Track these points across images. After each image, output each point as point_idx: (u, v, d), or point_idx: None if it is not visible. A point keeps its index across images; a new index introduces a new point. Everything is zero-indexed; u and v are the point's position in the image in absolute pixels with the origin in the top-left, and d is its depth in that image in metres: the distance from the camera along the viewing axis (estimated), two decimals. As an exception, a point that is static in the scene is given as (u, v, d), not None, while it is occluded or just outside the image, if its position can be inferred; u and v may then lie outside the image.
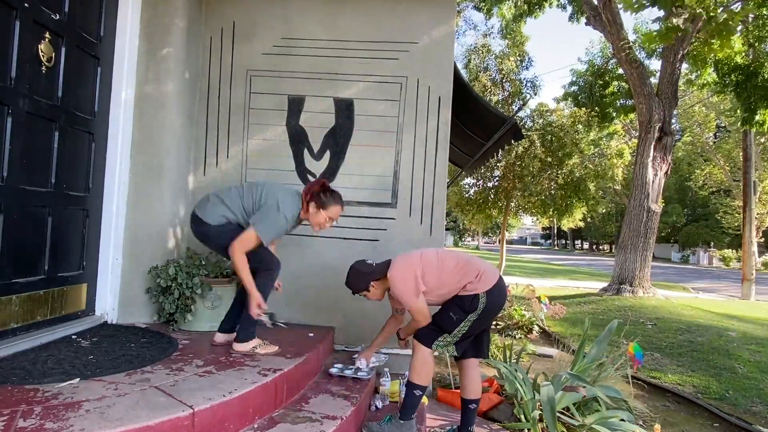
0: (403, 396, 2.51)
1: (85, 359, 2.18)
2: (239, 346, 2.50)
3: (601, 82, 12.31)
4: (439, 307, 2.49)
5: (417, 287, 2.38)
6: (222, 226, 2.48)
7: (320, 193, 2.53)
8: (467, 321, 2.37)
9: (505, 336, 5.33)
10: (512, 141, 5.50)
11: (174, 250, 3.19)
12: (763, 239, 25.51)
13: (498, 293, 2.42)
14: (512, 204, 11.55)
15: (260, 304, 2.43)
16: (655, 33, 5.89)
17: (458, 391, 2.75)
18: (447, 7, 3.46)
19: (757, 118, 8.20)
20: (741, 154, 14.46)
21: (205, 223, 2.48)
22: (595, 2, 10.15)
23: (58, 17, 2.50)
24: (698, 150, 25.15)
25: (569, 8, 11.87)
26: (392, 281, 2.44)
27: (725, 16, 5.54)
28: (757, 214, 17.60)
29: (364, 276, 2.54)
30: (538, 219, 13.63)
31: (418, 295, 2.39)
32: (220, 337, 2.65)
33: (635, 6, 5.58)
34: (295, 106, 3.48)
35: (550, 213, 11.53)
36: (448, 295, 2.44)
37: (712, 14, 5.57)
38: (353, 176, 3.44)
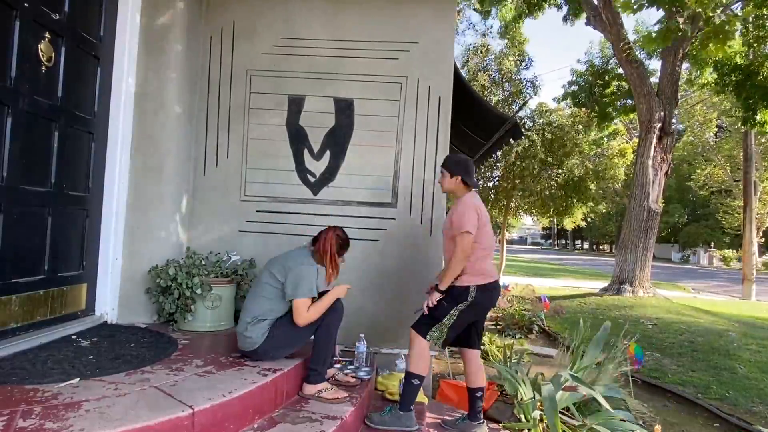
0: (402, 388, 2.55)
1: (85, 359, 2.18)
2: (308, 388, 2.39)
3: (601, 82, 12.31)
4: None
5: (475, 222, 2.47)
6: (268, 337, 2.37)
7: (343, 245, 2.56)
8: (456, 310, 2.46)
9: (505, 336, 5.33)
10: (511, 140, 5.50)
11: (174, 250, 3.19)
12: (763, 239, 25.48)
13: (489, 292, 2.52)
14: (512, 204, 11.55)
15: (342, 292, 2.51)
16: (655, 34, 5.89)
17: (461, 383, 2.80)
18: (447, 6, 3.46)
19: (757, 118, 8.20)
20: (741, 153, 14.45)
21: (255, 348, 2.36)
22: (595, 2, 10.15)
23: (58, 17, 2.49)
24: (699, 150, 25.12)
25: (564, 8, 11.85)
26: (464, 201, 2.55)
27: (723, 18, 5.53)
28: (758, 214, 17.58)
29: (462, 168, 2.63)
30: (538, 219, 13.62)
31: (474, 228, 2.45)
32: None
33: (633, 7, 5.58)
34: (295, 106, 3.47)
35: (550, 213, 11.52)
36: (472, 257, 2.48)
37: (710, 14, 5.57)
38: (353, 176, 3.44)
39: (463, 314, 2.48)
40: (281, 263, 2.46)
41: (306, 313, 2.35)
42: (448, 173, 2.66)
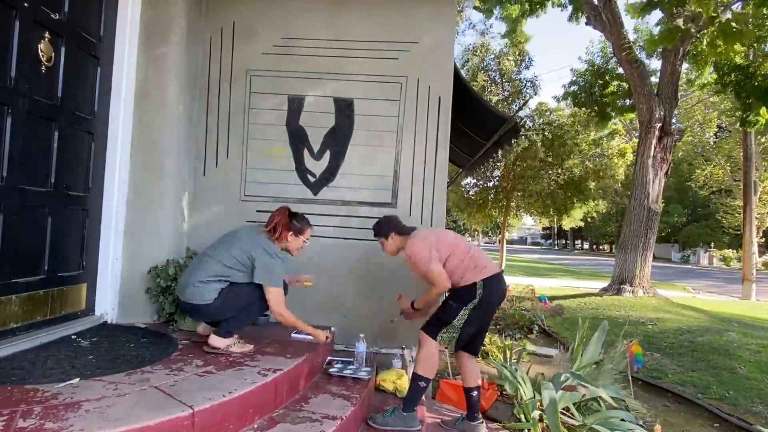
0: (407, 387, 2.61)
1: (85, 359, 2.18)
2: (215, 341, 2.44)
3: (601, 82, 12.31)
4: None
5: (431, 255, 2.50)
6: (219, 298, 2.41)
7: (292, 221, 2.60)
8: (465, 309, 2.51)
9: (505, 336, 5.33)
10: (512, 141, 5.51)
11: (174, 250, 3.19)
12: (763, 239, 25.48)
13: (497, 284, 2.55)
14: (512, 204, 11.55)
15: (319, 337, 2.69)
16: (657, 36, 5.90)
17: (461, 383, 2.82)
18: (447, 6, 3.46)
19: (756, 118, 8.19)
20: (741, 153, 14.45)
21: (200, 306, 2.41)
22: (596, 2, 10.15)
23: (58, 17, 2.49)
24: (699, 150, 25.12)
25: (569, 8, 11.86)
26: (410, 247, 2.59)
27: (728, 16, 5.53)
28: (758, 214, 17.58)
29: (390, 225, 2.72)
30: (538, 219, 13.62)
31: (434, 260, 2.49)
32: (203, 329, 2.69)
33: (639, 11, 5.58)
34: (295, 106, 3.47)
35: (550, 213, 11.53)
36: (451, 276, 2.53)
37: (713, 14, 5.57)
38: (353, 176, 3.44)
39: (474, 313, 2.52)
40: (240, 248, 2.46)
41: (283, 306, 2.51)
42: (383, 239, 2.73)
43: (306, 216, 2.71)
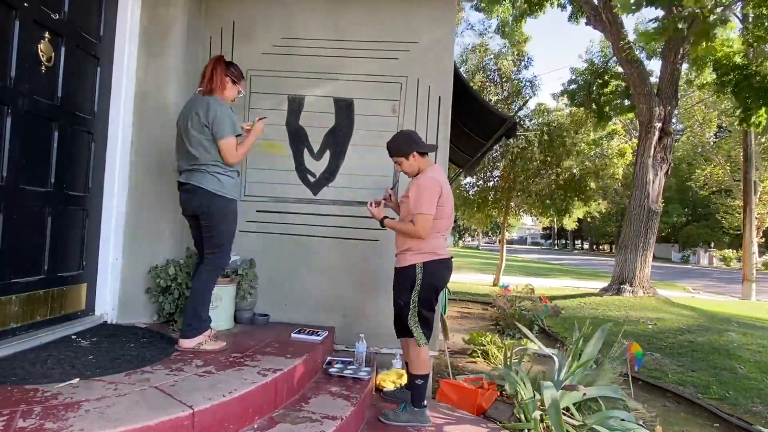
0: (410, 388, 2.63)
1: (85, 359, 2.18)
2: (184, 343, 2.43)
3: (600, 81, 12.30)
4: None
5: (434, 201, 2.43)
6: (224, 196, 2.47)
7: (229, 67, 2.54)
8: (413, 298, 2.47)
9: (505, 336, 5.33)
10: (509, 139, 5.51)
11: (174, 250, 3.18)
12: (763, 239, 25.48)
13: (437, 271, 2.50)
14: (512, 204, 11.54)
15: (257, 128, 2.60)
16: (652, 30, 5.90)
17: (461, 383, 2.81)
18: (447, 6, 3.45)
19: (754, 118, 8.20)
20: (741, 153, 14.45)
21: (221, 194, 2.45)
22: (595, 2, 10.15)
23: (57, 17, 2.49)
24: (698, 150, 25.13)
25: (569, 8, 11.87)
26: (425, 174, 2.50)
27: (715, 17, 5.54)
28: (758, 214, 17.57)
29: (412, 141, 2.55)
30: (538, 219, 13.62)
31: (434, 207, 2.42)
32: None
33: (631, 7, 5.58)
34: (295, 105, 3.47)
35: (550, 213, 11.52)
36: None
37: (707, 15, 5.57)
38: (353, 176, 3.44)
39: (423, 296, 2.47)
40: (191, 113, 2.43)
41: (236, 150, 2.44)
42: (402, 158, 2.56)
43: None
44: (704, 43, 5.74)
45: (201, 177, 2.44)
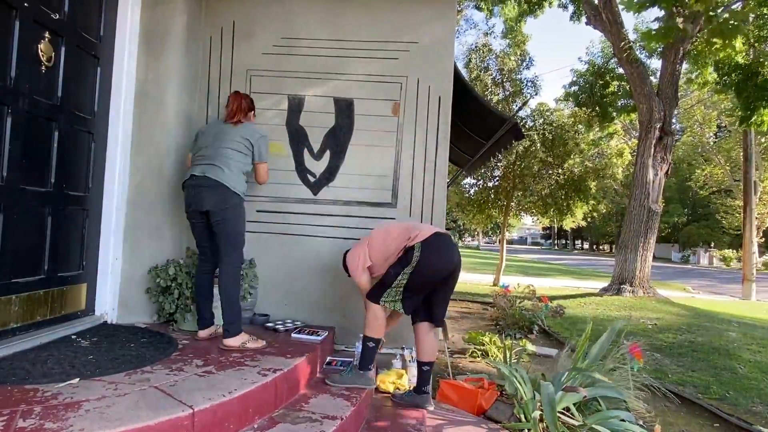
0: (359, 351, 2.73)
1: (85, 359, 2.18)
2: (230, 341, 2.53)
3: (601, 82, 12.30)
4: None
5: (362, 264, 2.72)
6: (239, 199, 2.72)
7: (251, 100, 2.91)
8: (404, 274, 2.52)
9: (505, 336, 5.33)
10: (513, 141, 5.50)
11: (174, 250, 3.19)
12: (763, 239, 25.48)
13: (434, 246, 2.54)
14: (512, 204, 11.54)
15: None
16: (654, 31, 5.89)
17: (461, 383, 2.86)
18: (447, 6, 3.45)
19: (755, 118, 8.19)
20: (741, 153, 14.44)
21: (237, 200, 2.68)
22: (596, 2, 10.15)
23: (58, 17, 2.50)
24: (698, 150, 25.13)
25: (570, 8, 11.87)
26: (347, 260, 2.80)
27: (726, 15, 5.53)
28: (758, 214, 17.57)
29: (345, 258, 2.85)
30: (538, 219, 13.61)
31: (363, 271, 2.73)
32: (203, 333, 2.71)
33: (636, 6, 5.57)
34: (295, 105, 3.47)
35: (551, 213, 11.51)
36: (394, 259, 2.63)
37: (711, 14, 5.56)
38: (353, 176, 3.44)
39: (413, 277, 2.52)
40: (240, 134, 2.73)
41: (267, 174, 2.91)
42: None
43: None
44: (719, 42, 5.70)
45: (223, 174, 2.60)
